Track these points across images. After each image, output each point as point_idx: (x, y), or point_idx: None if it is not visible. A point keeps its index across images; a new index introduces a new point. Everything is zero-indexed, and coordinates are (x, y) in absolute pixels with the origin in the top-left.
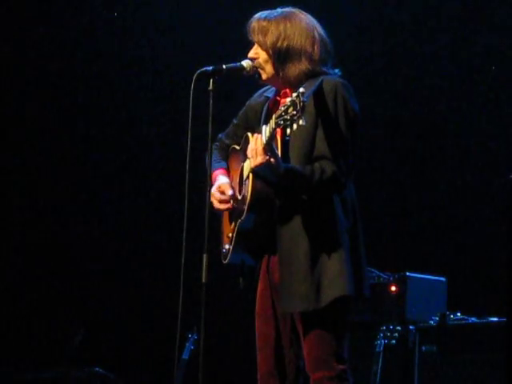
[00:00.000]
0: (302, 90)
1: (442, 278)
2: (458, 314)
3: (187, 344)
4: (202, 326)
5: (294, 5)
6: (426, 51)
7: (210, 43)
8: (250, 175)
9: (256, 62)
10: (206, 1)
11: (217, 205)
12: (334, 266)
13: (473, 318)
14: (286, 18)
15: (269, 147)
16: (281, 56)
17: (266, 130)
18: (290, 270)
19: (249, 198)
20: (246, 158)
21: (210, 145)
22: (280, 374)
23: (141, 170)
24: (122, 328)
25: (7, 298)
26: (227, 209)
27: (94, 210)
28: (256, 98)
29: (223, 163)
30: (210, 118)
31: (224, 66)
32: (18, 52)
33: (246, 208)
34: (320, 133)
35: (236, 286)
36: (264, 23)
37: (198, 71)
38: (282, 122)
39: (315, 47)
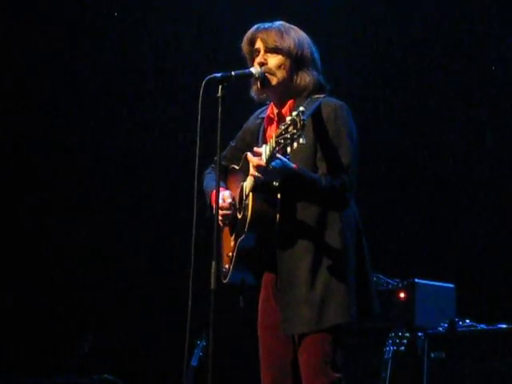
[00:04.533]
0: (302, 108)
1: (451, 285)
2: (467, 321)
3: (196, 351)
4: (210, 332)
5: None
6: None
7: (218, 50)
8: (250, 194)
9: (265, 67)
10: (215, 7)
11: (220, 212)
12: (338, 289)
13: (482, 325)
14: (290, 27)
15: (269, 163)
16: (297, 61)
17: (266, 149)
18: (291, 290)
19: (249, 216)
20: (245, 177)
21: (218, 151)
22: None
23: (149, 177)
24: (130, 335)
25: (16, 304)
26: (224, 215)
27: (103, 216)
28: (253, 120)
29: (221, 183)
30: (219, 125)
31: (233, 73)
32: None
33: (246, 226)
34: (320, 154)
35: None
36: (275, 30)
37: (207, 78)
38: (282, 141)
39: (317, 58)
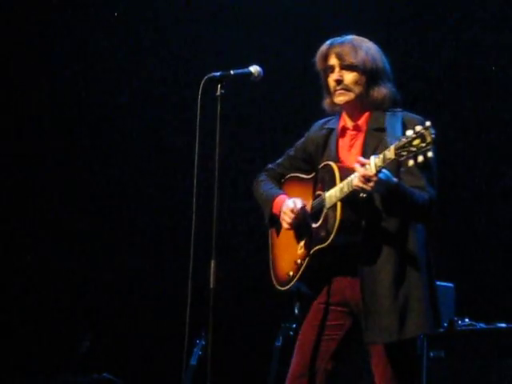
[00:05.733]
0: (428, 123)
1: (450, 284)
2: (466, 320)
3: (195, 349)
4: (209, 331)
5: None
6: None
7: (218, 48)
8: (339, 203)
9: (342, 84)
10: (215, 7)
11: (290, 215)
12: (418, 300)
13: (481, 324)
14: (363, 41)
15: (378, 174)
16: (373, 76)
17: (375, 160)
18: (374, 299)
19: (337, 225)
20: (322, 186)
21: (217, 151)
22: (309, 380)
23: (149, 177)
24: (129, 333)
25: (14, 303)
26: (299, 221)
27: (102, 215)
28: (317, 130)
29: (281, 191)
30: (218, 123)
31: (232, 72)
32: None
33: (331, 236)
34: (406, 168)
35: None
36: (349, 46)
37: (206, 76)
38: (404, 153)
39: (389, 69)
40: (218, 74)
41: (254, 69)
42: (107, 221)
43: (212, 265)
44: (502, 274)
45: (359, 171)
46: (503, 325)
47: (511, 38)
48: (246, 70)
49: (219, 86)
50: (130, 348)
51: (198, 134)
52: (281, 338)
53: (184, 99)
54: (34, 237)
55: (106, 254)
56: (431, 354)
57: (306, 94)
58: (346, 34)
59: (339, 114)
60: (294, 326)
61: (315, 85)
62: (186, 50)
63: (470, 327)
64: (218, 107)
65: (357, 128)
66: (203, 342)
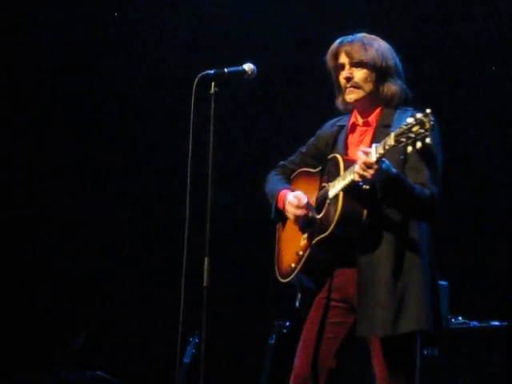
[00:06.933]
0: (428, 110)
1: (444, 282)
2: (460, 318)
3: (188, 348)
4: (203, 329)
5: None
6: None
7: (211, 46)
8: (341, 193)
9: (352, 81)
10: (209, 4)
11: (294, 211)
12: (416, 296)
13: (474, 322)
14: (373, 39)
15: (379, 162)
16: (383, 72)
17: (376, 148)
18: (371, 292)
19: (337, 215)
20: (328, 178)
21: (211, 147)
22: (313, 379)
23: (142, 174)
24: (123, 331)
25: (8, 300)
26: (303, 215)
27: (96, 213)
28: (328, 128)
29: (286, 185)
30: (212, 121)
31: (225, 70)
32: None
33: (332, 226)
34: (410, 163)
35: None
36: (358, 44)
37: (200, 75)
38: (403, 140)
39: (400, 67)
40: (212, 71)
41: (248, 67)
42: (103, 219)
43: (206, 263)
44: (496, 273)
45: (361, 158)
46: (496, 323)
47: None
48: (239, 67)
49: (213, 84)
50: (124, 346)
51: (191, 132)
52: (274, 336)
53: (177, 97)
54: (31, 234)
55: (101, 252)
56: (425, 352)
57: (301, 91)
58: (357, 32)
59: (351, 112)
60: (288, 323)
61: (312, 84)
62: (181, 49)
63: (464, 325)
64: (212, 105)
65: (367, 124)
66: (197, 340)
